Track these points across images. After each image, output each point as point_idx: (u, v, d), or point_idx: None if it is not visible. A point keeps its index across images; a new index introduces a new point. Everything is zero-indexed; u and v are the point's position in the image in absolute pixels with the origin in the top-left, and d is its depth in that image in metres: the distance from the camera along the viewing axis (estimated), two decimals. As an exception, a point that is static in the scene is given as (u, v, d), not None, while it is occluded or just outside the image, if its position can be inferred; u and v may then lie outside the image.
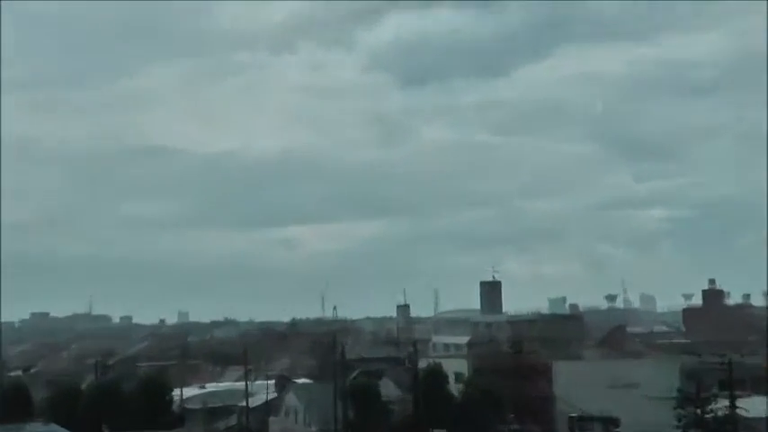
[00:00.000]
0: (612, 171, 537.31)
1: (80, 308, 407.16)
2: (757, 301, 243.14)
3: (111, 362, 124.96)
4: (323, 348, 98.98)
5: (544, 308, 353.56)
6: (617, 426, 68.60)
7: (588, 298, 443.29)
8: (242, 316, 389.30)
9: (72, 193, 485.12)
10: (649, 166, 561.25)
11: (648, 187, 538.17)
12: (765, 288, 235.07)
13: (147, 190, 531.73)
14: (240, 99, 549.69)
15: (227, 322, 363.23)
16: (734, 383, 60.06)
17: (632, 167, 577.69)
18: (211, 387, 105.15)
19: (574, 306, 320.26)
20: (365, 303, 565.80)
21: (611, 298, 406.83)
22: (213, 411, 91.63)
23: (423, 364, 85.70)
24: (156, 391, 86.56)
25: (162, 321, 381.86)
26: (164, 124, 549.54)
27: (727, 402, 59.29)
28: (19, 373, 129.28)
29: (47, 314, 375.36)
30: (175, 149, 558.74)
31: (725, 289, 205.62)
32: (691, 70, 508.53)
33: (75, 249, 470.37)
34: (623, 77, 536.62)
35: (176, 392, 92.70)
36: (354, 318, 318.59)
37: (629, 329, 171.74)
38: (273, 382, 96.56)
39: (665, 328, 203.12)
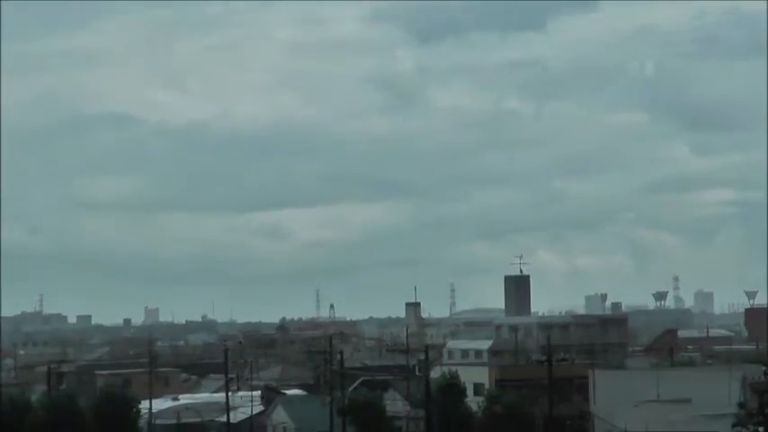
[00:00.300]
0: (667, 144, 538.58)
1: (29, 306, 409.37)
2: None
3: (65, 370, 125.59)
4: (317, 355, 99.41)
5: (581, 307, 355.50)
6: (665, 447, 68.98)
7: (633, 296, 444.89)
8: (222, 316, 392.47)
9: (14, 170, 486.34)
10: (712, 137, 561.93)
11: (710, 163, 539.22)
12: None
13: (106, 167, 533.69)
14: (216, 58, 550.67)
15: (205, 323, 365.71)
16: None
17: (691, 140, 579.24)
18: (185, 399, 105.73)
19: (616, 305, 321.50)
20: (368, 301, 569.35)
21: (661, 296, 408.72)
22: (188, 428, 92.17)
23: (436, 373, 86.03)
24: (119, 404, 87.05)
25: (127, 322, 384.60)
26: (124, 88, 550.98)
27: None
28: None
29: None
30: (139, 118, 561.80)
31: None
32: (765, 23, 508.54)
33: (21, 237, 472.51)
34: (682, 32, 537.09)
35: (144, 406, 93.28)
36: (355, 318, 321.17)
37: (681, 333, 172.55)
38: (259, 393, 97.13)
39: (723, 332, 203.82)
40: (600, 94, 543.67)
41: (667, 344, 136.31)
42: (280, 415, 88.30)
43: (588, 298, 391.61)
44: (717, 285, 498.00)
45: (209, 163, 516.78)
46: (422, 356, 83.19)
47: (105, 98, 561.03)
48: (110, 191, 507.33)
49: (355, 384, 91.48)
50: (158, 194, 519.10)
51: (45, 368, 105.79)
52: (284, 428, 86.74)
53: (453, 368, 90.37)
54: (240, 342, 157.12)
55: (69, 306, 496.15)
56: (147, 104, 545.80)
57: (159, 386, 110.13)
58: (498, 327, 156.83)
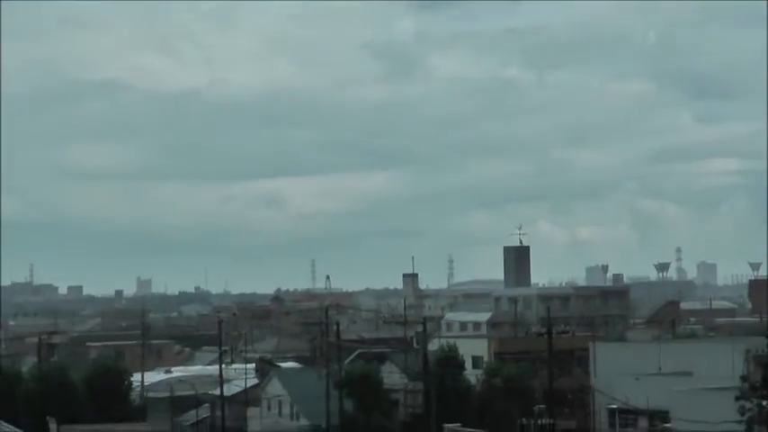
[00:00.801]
0: (671, 113, 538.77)
1: (19, 276, 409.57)
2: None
3: (56, 341, 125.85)
4: (313, 326, 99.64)
5: (581, 279, 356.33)
6: (666, 420, 69.21)
7: (635, 267, 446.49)
8: (216, 287, 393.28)
9: (3, 138, 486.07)
10: (717, 106, 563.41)
11: (715, 133, 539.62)
12: None
13: (97, 135, 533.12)
14: (210, 24, 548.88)
15: (198, 294, 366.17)
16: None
17: (695, 108, 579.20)
18: (179, 372, 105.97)
19: (617, 277, 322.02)
20: (365, 272, 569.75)
21: (663, 267, 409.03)
22: (181, 401, 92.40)
23: (434, 346, 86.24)
24: (111, 376, 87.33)
25: (118, 293, 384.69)
26: (116, 54, 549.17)
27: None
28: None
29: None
30: (130, 85, 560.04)
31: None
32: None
33: (10, 207, 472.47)
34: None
35: (136, 378, 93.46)
36: (352, 290, 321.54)
37: (683, 305, 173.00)
38: (254, 366, 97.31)
39: (727, 304, 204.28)
40: (603, 62, 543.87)
41: (669, 316, 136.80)
42: (275, 388, 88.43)
43: (589, 269, 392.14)
44: (720, 257, 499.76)
45: (204, 131, 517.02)
46: (419, 328, 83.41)
47: (96, 64, 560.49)
48: (102, 159, 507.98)
49: (352, 357, 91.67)
50: (151, 163, 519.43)
51: (36, 339, 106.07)
52: (279, 402, 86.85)
53: (451, 341, 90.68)
54: (234, 314, 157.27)
55: (60, 277, 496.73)
56: (140, 71, 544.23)
57: (152, 358, 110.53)
58: (497, 298, 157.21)
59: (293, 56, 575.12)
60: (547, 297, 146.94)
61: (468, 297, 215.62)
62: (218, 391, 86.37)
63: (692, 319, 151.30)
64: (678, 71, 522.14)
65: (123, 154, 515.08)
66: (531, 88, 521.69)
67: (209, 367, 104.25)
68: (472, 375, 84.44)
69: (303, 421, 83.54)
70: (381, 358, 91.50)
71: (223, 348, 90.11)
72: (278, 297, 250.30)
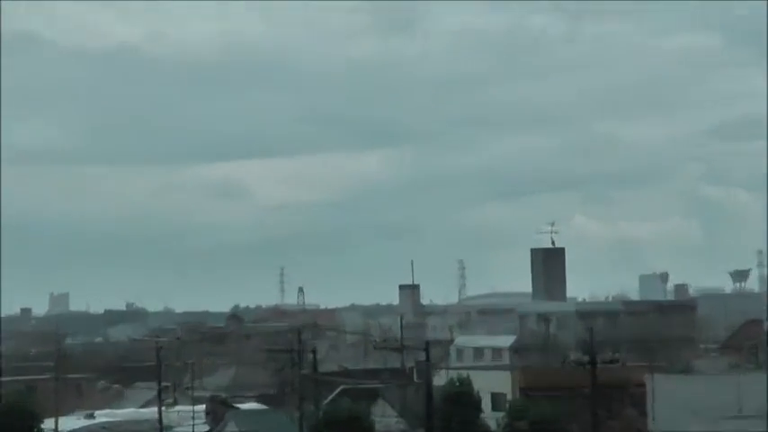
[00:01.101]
0: (744, 75, 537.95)
1: None
2: None
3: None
4: (282, 354, 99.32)
5: (633, 290, 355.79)
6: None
7: (704, 276, 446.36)
8: (154, 303, 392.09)
9: None
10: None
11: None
12: None
13: (2, 104, 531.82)
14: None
15: (131, 312, 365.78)
16: None
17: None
18: (104, 416, 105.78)
19: (680, 288, 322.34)
20: (350, 283, 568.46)
21: (741, 275, 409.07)
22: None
23: (441, 379, 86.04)
24: (14, 420, 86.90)
25: (25, 311, 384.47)
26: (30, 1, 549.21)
27: None
28: None
29: None
30: (48, 40, 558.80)
31: None
32: None
33: None
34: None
35: (49, 424, 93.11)
36: (333, 306, 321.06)
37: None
38: (204, 407, 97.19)
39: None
40: (654, 9, 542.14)
41: (750, 339, 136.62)
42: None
43: (643, 278, 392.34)
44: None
45: (141, 99, 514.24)
46: (421, 356, 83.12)
47: (6, 14, 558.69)
48: (8, 136, 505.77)
49: (333, 394, 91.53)
50: (71, 141, 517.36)
51: None
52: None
53: (464, 372, 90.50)
54: (178, 338, 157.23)
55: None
56: (61, 23, 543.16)
57: (69, 397, 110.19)
58: (523, 317, 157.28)
59: (259, 3, 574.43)
60: (588, 314, 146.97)
61: (486, 314, 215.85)
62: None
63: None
64: (751, 22, 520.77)
65: (35, 129, 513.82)
66: (561, 43, 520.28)
67: (143, 410, 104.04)
68: (492, 419, 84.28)
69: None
70: (372, 395, 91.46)
71: (163, 384, 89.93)
72: (236, 315, 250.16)
